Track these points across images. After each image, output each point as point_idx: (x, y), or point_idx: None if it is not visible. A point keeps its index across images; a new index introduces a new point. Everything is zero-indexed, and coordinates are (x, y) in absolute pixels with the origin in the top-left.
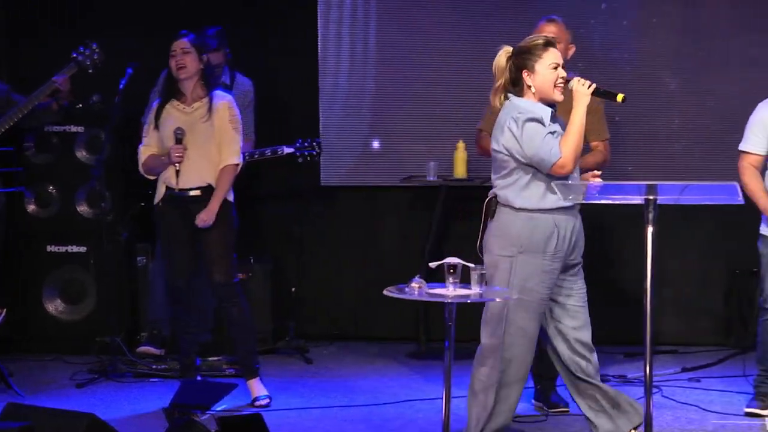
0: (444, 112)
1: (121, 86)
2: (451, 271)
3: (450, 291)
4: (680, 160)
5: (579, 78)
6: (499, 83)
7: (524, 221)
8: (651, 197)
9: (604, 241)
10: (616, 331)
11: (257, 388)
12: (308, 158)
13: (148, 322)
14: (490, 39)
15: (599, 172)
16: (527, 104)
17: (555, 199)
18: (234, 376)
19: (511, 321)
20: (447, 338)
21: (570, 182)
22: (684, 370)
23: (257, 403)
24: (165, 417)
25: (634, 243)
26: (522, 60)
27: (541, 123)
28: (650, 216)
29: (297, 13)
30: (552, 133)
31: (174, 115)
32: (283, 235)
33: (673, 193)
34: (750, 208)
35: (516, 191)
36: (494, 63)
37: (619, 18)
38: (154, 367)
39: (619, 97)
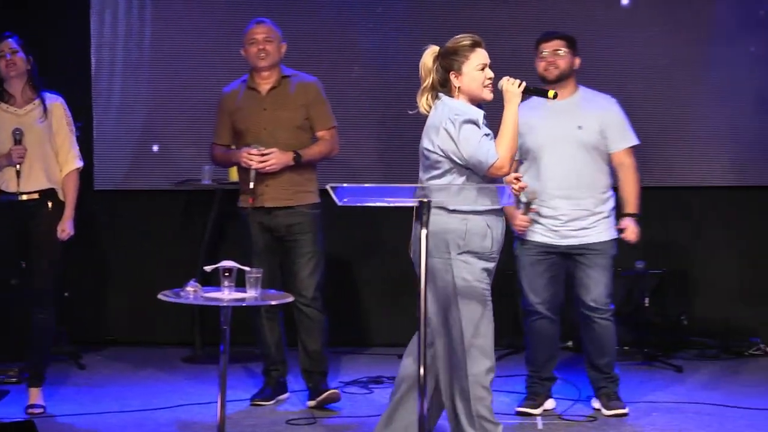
0: None
1: None
2: (227, 274)
3: (225, 294)
4: None
5: (508, 77)
6: (425, 84)
7: (459, 222)
8: (425, 199)
9: (379, 242)
10: (391, 332)
11: (38, 396)
12: None
13: None
14: None
15: (521, 174)
16: (461, 105)
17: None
18: (5, 383)
19: (465, 319)
20: (222, 342)
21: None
22: None
23: (30, 411)
24: None
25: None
26: (449, 61)
27: (476, 125)
28: (424, 218)
29: (69, 14)
30: (486, 135)
31: (4, 117)
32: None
33: (445, 195)
34: None
35: (453, 192)
36: (420, 63)
37: (393, 21)
38: None
39: (551, 93)
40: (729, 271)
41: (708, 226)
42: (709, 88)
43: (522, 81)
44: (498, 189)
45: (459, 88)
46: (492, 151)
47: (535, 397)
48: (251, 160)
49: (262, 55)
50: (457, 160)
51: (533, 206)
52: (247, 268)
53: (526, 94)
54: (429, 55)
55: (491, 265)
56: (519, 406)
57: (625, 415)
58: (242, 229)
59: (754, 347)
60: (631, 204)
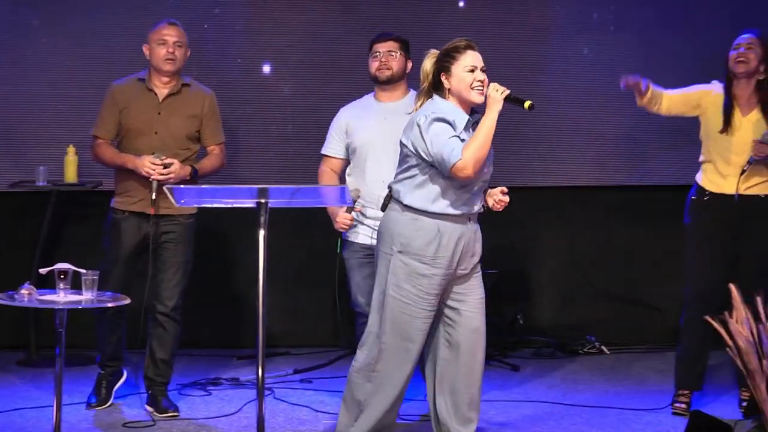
0: (53, 115)
1: None
2: (62, 276)
3: (61, 297)
4: (295, 164)
5: (495, 84)
6: (423, 87)
7: (408, 221)
8: (263, 200)
9: (217, 245)
10: (230, 334)
11: None
12: None
13: None
14: (106, 42)
15: (506, 189)
16: (445, 106)
17: (444, 205)
18: None
19: (387, 320)
20: (58, 345)
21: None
22: (296, 371)
23: None
24: None
25: (245, 246)
26: (441, 63)
27: (450, 125)
28: (262, 219)
29: None
30: (463, 140)
31: None
32: None
33: (284, 196)
34: None
35: (408, 188)
36: (421, 67)
37: (231, 23)
38: None
39: (527, 104)
40: (565, 270)
41: (543, 225)
42: (544, 89)
43: (507, 89)
44: (338, 190)
45: (449, 89)
46: (457, 151)
47: None
48: (154, 170)
49: (171, 58)
50: (425, 157)
51: (357, 206)
52: (83, 270)
53: (507, 102)
54: (429, 59)
55: (436, 271)
56: None
57: None
58: (110, 230)
59: (589, 345)
60: None
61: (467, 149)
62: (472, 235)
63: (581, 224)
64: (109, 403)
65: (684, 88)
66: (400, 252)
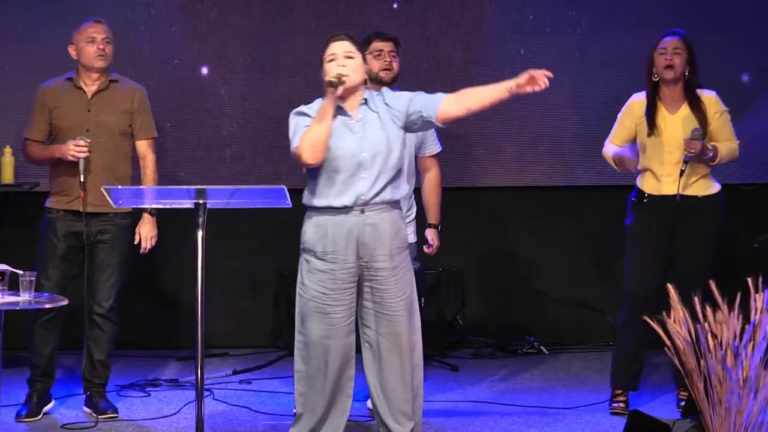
0: None
1: None
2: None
3: None
4: (231, 165)
5: (340, 70)
6: None
7: (306, 218)
8: (201, 201)
9: (155, 244)
10: (168, 335)
11: None
12: None
13: None
14: (41, 43)
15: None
16: (320, 100)
17: (325, 198)
18: None
19: (297, 319)
20: None
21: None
22: (235, 372)
23: None
24: None
25: (184, 246)
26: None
27: (308, 116)
28: (200, 220)
29: None
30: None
31: None
32: None
33: (222, 197)
34: (297, 210)
35: (307, 187)
36: None
37: (167, 24)
38: None
39: (328, 78)
40: (504, 270)
41: (482, 226)
42: None
43: (339, 74)
44: (278, 191)
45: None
46: (296, 140)
47: None
48: (80, 151)
49: (101, 54)
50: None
51: None
52: (20, 271)
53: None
54: None
55: (332, 266)
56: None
57: None
58: (46, 231)
59: (528, 345)
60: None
61: (303, 137)
62: (367, 227)
63: (521, 225)
64: (39, 416)
65: (616, 123)
66: (302, 250)
